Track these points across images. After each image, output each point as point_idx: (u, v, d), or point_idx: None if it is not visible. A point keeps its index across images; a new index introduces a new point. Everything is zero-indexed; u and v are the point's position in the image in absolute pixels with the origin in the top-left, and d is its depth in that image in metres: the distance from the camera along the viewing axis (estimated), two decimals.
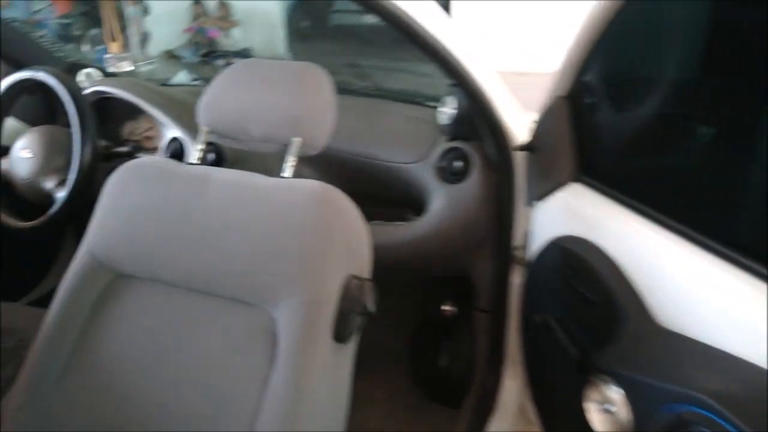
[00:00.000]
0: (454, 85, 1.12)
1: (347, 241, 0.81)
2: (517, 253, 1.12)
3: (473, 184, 1.15)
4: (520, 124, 1.06)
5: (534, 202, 1.02)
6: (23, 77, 1.24)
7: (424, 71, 1.64)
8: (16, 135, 1.30)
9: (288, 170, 0.87)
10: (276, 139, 0.87)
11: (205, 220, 0.82)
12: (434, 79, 1.25)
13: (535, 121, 1.03)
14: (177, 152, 1.29)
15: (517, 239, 1.12)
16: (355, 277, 0.81)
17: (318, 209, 0.79)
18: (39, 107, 1.51)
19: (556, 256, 0.93)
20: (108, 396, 0.83)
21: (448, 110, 1.18)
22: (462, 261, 1.26)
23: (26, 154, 1.23)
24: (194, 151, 0.95)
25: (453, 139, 1.19)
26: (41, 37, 1.48)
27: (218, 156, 1.22)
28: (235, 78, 0.91)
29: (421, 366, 1.48)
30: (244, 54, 3.53)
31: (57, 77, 1.20)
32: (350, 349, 0.83)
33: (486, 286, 1.24)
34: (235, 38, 4.34)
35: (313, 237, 0.78)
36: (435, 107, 1.26)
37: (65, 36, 3.29)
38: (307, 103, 0.86)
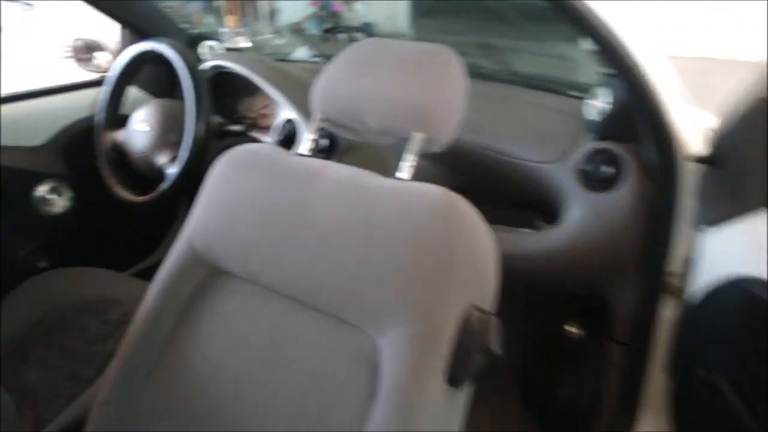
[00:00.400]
0: (610, 74, 0.93)
1: (471, 263, 0.67)
2: (672, 282, 0.92)
3: (624, 194, 0.96)
4: (693, 126, 0.85)
5: (707, 227, 0.82)
6: (145, 49, 1.21)
7: (566, 54, 1.43)
8: (138, 105, 1.29)
9: (406, 170, 0.74)
10: (395, 133, 0.75)
11: (311, 222, 0.73)
12: (578, 64, 1.06)
13: (719, 126, 0.81)
14: (290, 135, 1.21)
15: (673, 266, 0.92)
16: (478, 308, 0.67)
17: (439, 222, 0.66)
18: (162, 78, 1.51)
19: (737, 300, 0.73)
20: (195, 401, 0.77)
21: (598, 103, 0.99)
22: (597, 281, 1.07)
23: (143, 127, 1.21)
24: (306, 140, 0.85)
25: (602, 138, 1.00)
26: (168, 7, 1.46)
27: (331, 142, 1.12)
28: (353, 61, 0.80)
29: (535, 391, 1.32)
30: (365, 29, 3.44)
31: (176, 50, 1.16)
32: (465, 395, 0.70)
33: (626, 315, 1.04)
34: (358, 12, 4.26)
35: (431, 256, 0.65)
36: (580, 98, 1.07)
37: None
38: (434, 93, 0.73)
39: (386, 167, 1.18)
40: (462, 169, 1.19)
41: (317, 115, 0.82)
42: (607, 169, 0.97)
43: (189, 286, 0.81)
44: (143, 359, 0.80)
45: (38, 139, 1.32)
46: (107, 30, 1.47)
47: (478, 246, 0.69)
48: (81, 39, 1.46)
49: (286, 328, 0.74)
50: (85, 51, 1.50)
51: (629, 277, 1.02)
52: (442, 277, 0.65)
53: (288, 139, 1.22)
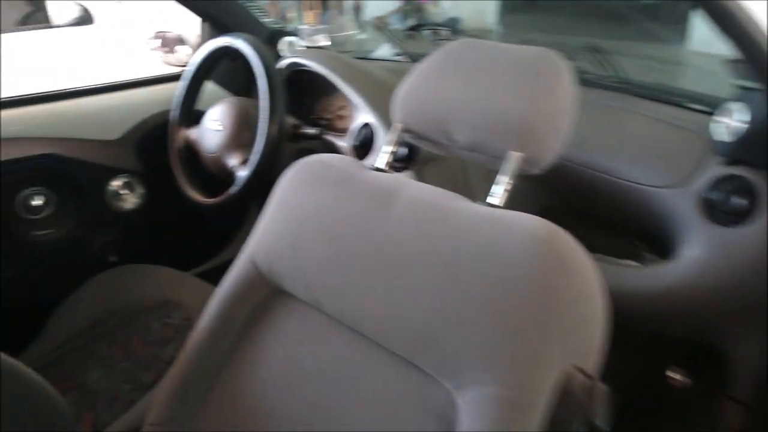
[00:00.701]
0: (750, 88, 0.77)
1: (575, 315, 0.55)
2: None
3: (758, 231, 0.80)
4: None
5: None
6: (221, 44, 1.16)
7: (683, 60, 1.25)
8: (214, 101, 1.25)
9: (499, 195, 0.64)
10: (487, 150, 0.65)
11: (384, 249, 0.63)
12: (702, 73, 0.89)
13: None
14: (366, 140, 1.12)
15: None
16: (581, 370, 0.55)
17: (538, 261, 0.55)
18: (240, 75, 1.46)
19: None
20: (250, 429, 0.70)
21: (731, 122, 0.83)
22: (714, 328, 0.91)
23: (216, 126, 1.16)
24: (383, 152, 0.76)
25: (733, 162, 0.84)
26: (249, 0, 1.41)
27: (410, 150, 1.02)
28: (443, 65, 0.69)
29: None
30: (451, 24, 3.31)
31: (253, 46, 1.09)
32: None
33: (748, 371, 0.88)
34: (444, 7, 4.14)
35: (526, 302, 0.54)
36: (707, 113, 0.91)
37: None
38: (538, 106, 0.62)
39: (471, 184, 1.07)
40: (555, 187, 1.06)
41: (398, 125, 0.73)
42: (738, 200, 0.81)
43: (249, 305, 0.75)
44: (198, 380, 0.75)
45: (115, 133, 1.31)
46: (191, 24, 1.44)
47: (585, 294, 0.57)
48: (163, 32, 1.45)
49: (350, 364, 0.66)
50: (168, 45, 1.49)
51: (755, 327, 0.86)
52: (538, 329, 0.53)
53: (364, 145, 1.13)
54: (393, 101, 0.73)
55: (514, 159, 0.62)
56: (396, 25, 3.72)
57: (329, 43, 1.20)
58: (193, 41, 1.46)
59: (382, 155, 0.76)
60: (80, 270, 1.28)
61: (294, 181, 0.74)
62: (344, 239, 0.67)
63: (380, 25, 3.62)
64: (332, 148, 1.22)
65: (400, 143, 0.75)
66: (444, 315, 0.57)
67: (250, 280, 0.75)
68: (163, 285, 1.25)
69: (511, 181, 0.63)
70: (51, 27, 2.89)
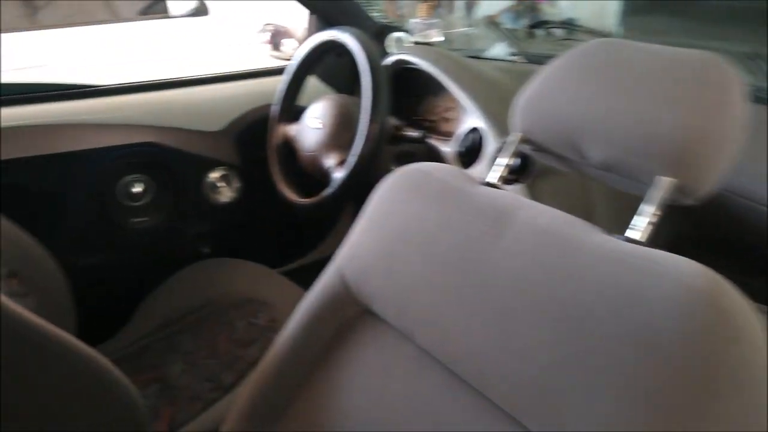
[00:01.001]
0: None
1: (743, 396, 0.43)
2: None
3: None
4: None
5: None
6: (327, 38, 1.11)
7: None
8: (317, 97, 1.20)
9: (641, 228, 0.52)
10: (629, 173, 0.54)
11: (491, 282, 0.54)
12: None
13: None
14: (474, 147, 1.02)
15: None
16: None
17: (695, 323, 0.43)
18: (345, 71, 1.41)
19: None
20: None
21: None
22: None
23: (315, 124, 1.11)
24: (496, 164, 0.66)
25: None
26: None
27: (523, 162, 0.91)
28: (576, 69, 0.58)
29: None
30: (567, 25, 3.09)
31: (359, 41, 1.03)
32: None
33: None
34: (561, 7, 3.90)
35: (677, 375, 0.42)
36: None
37: None
38: (700, 123, 0.49)
39: (592, 207, 0.94)
40: (694, 214, 0.90)
41: (517, 134, 0.63)
42: None
43: (335, 322, 0.68)
44: (276, 395, 0.70)
45: (216, 124, 1.30)
46: (300, 17, 1.41)
47: (754, 369, 0.44)
48: (272, 25, 1.43)
49: (439, 406, 0.57)
50: (275, 38, 1.47)
51: None
52: (692, 413, 0.42)
53: (470, 152, 1.03)
54: (513, 107, 0.63)
55: (663, 185, 0.50)
56: (508, 24, 3.54)
57: (442, 38, 1.11)
58: (300, 35, 1.43)
59: (495, 168, 0.66)
60: (172, 260, 1.29)
61: (392, 191, 0.66)
62: (445, 264, 0.58)
63: (490, 23, 3.47)
64: (434, 153, 1.13)
65: (517, 155, 0.65)
66: (563, 374, 0.47)
67: (337, 294, 0.68)
68: (251, 281, 1.23)
69: (658, 212, 0.52)
70: (168, 17, 3.01)
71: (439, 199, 0.61)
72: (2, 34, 2.55)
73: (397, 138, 1.09)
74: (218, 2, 3.04)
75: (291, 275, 1.26)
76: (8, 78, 1.21)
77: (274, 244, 1.51)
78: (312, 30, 1.37)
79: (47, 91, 1.17)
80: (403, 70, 1.22)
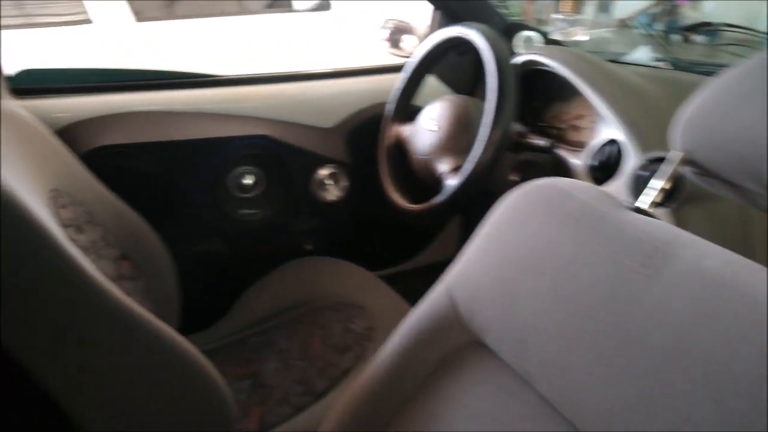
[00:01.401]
0: None
1: None
2: None
3: None
4: None
5: None
6: (451, 35, 1.03)
7: None
8: (435, 97, 1.13)
9: None
10: None
11: (639, 332, 0.44)
12: None
13: None
14: (609, 162, 0.91)
15: None
16: None
17: None
18: (467, 70, 1.33)
19: None
20: None
21: None
22: None
23: (431, 126, 1.03)
24: (650, 187, 0.55)
25: None
26: None
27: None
28: (758, 83, 0.46)
29: None
30: (736, 28, 2.78)
31: (488, 39, 0.94)
32: None
33: None
34: (705, 10, 3.53)
35: None
36: None
37: None
38: None
39: (751, 237, 0.80)
40: None
41: (677, 153, 0.52)
42: None
43: (441, 348, 0.61)
44: (369, 419, 0.64)
45: (329, 121, 1.27)
46: (424, 13, 1.35)
47: None
48: (393, 20, 1.37)
49: None
50: (396, 34, 1.42)
51: None
52: None
53: (604, 167, 0.91)
54: (672, 121, 0.52)
55: None
56: (643, 27, 3.26)
57: (587, 38, 0.99)
58: (422, 32, 1.36)
59: (647, 192, 0.55)
60: (275, 254, 1.28)
61: (519, 208, 0.58)
62: (580, 302, 0.49)
63: (624, 26, 3.21)
64: (561, 166, 1.02)
65: (675, 178, 0.54)
66: None
67: (445, 318, 0.61)
68: (351, 284, 1.19)
69: None
70: (291, 11, 3.09)
71: (578, 224, 0.52)
72: (144, 23, 2.74)
73: (519, 145, 0.99)
74: None
75: (391, 279, 1.21)
76: (139, 65, 1.25)
77: (376, 246, 1.46)
78: (435, 27, 1.30)
79: (170, 79, 1.20)
80: (530, 72, 1.11)
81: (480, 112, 0.99)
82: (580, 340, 0.48)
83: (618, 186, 0.87)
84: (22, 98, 1.07)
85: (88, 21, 2.63)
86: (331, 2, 3.09)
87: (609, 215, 0.51)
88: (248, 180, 1.21)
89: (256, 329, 1.13)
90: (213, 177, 1.16)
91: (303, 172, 1.24)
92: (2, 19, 2.51)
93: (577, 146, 1.03)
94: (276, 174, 1.22)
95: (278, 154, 1.19)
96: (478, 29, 0.97)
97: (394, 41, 1.41)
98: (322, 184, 1.28)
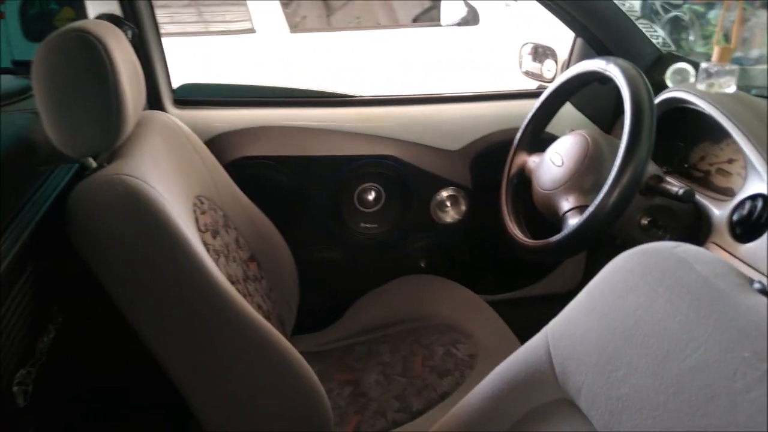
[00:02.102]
0: None
1: None
2: None
3: None
4: None
5: None
6: (590, 69, 0.98)
7: None
8: (569, 125, 1.09)
9: None
10: None
11: None
12: None
13: None
14: (751, 220, 0.81)
15: None
16: None
17: None
18: (608, 101, 1.26)
19: None
20: None
21: None
22: None
23: (556, 160, 0.99)
24: None
25: None
26: (639, 18, 1.17)
27: None
28: None
29: None
30: None
31: (628, 76, 0.88)
32: None
33: None
34: None
35: None
36: None
37: (674, 21, 2.81)
38: None
39: None
40: None
41: None
42: None
43: (531, 401, 0.59)
44: None
45: (456, 144, 1.28)
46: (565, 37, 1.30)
47: None
48: (531, 44, 1.34)
49: None
50: (533, 58, 1.39)
51: None
52: None
53: (747, 227, 0.82)
54: None
55: None
56: None
57: (733, 89, 0.89)
58: (562, 57, 1.32)
59: None
60: (389, 268, 1.31)
61: (631, 272, 0.53)
62: (683, 386, 0.44)
63: None
64: (699, 214, 0.93)
65: None
66: None
67: (542, 372, 0.58)
68: (459, 307, 1.19)
69: None
70: (438, 25, 3.10)
71: (693, 300, 0.47)
72: (298, 33, 2.93)
73: (652, 189, 0.91)
74: (492, 11, 3.01)
75: (501, 305, 1.19)
76: (287, 80, 1.35)
77: (490, 270, 1.44)
78: (576, 54, 1.25)
79: (308, 97, 1.28)
80: (678, 110, 1.03)
81: (614, 151, 0.93)
82: (679, 426, 0.44)
83: (759, 248, 0.78)
84: (182, 108, 1.21)
85: (252, 30, 2.87)
86: (480, 16, 3.05)
87: (731, 296, 0.46)
88: (371, 196, 1.25)
89: (363, 338, 1.17)
90: (339, 190, 1.23)
91: (424, 192, 1.26)
92: (182, 25, 2.83)
93: (724, 194, 0.93)
94: (398, 192, 1.26)
95: (402, 173, 1.22)
96: (617, 65, 0.92)
97: (533, 66, 1.39)
98: (441, 205, 1.29)
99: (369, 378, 1.05)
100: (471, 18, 2.97)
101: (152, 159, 0.77)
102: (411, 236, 1.32)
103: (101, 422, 0.86)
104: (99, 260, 0.67)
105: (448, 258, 1.35)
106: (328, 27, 3.25)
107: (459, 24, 3.00)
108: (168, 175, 0.78)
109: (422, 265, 1.34)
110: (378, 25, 3.26)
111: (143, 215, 0.66)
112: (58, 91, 0.67)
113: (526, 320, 0.73)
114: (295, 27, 3.02)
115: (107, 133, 0.70)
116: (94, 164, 0.72)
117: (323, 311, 1.28)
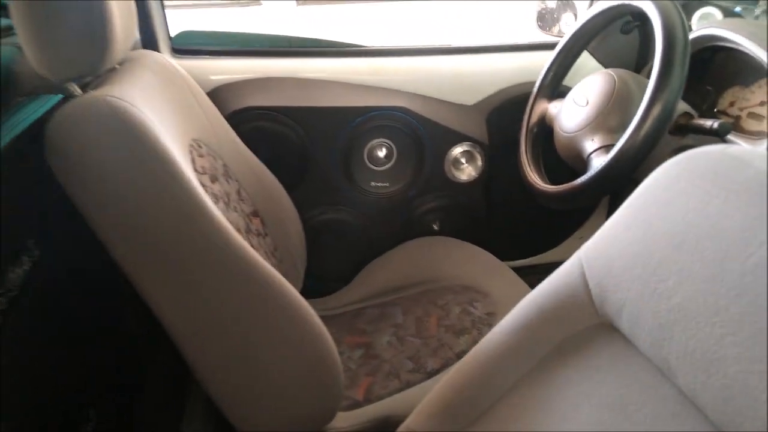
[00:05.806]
0: None
1: None
2: None
3: None
4: None
5: None
6: (619, 3, 0.92)
7: None
8: (585, 76, 1.03)
9: None
10: None
11: None
12: None
13: None
14: None
15: None
16: None
17: None
18: (630, 52, 1.20)
19: None
20: None
21: None
22: None
23: (580, 100, 0.94)
24: None
25: None
26: None
27: None
28: None
29: None
30: None
31: (661, 9, 0.82)
32: None
33: None
34: None
35: None
36: None
37: None
38: None
39: None
40: None
41: None
42: None
43: (565, 330, 0.56)
44: (479, 395, 0.60)
45: (472, 98, 1.22)
46: None
47: None
48: (547, 3, 1.28)
49: None
50: (551, 15, 1.33)
51: None
52: None
53: None
54: None
55: None
56: None
57: None
58: (580, 10, 1.26)
59: None
60: (401, 230, 1.26)
61: (676, 177, 0.48)
62: (747, 287, 0.39)
63: None
64: None
65: None
66: None
67: (576, 297, 0.54)
68: (476, 268, 1.13)
69: None
70: None
71: (755, 196, 0.42)
72: (305, 5, 2.87)
73: (683, 128, 0.85)
74: None
75: (520, 272, 1.13)
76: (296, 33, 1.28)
77: (507, 234, 1.38)
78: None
79: (314, 47, 1.22)
80: (709, 50, 0.97)
81: (640, 88, 0.87)
82: (739, 331, 0.39)
83: None
84: (180, 57, 1.15)
85: (258, 2, 2.80)
86: None
87: None
88: (381, 152, 1.20)
89: (375, 301, 1.12)
90: (347, 146, 1.17)
91: (438, 147, 1.20)
92: None
93: (756, 136, 0.87)
94: (410, 148, 1.20)
95: (414, 127, 1.16)
96: None
97: (551, 23, 1.33)
98: (456, 162, 1.23)
99: (381, 340, 1.00)
100: None
101: (144, 92, 0.69)
102: (425, 196, 1.26)
103: (76, 361, 0.79)
104: (79, 187, 0.60)
105: (464, 219, 1.30)
106: None
107: None
108: (161, 110, 0.71)
109: (435, 227, 1.29)
110: None
111: (130, 137, 0.58)
112: (37, 5, 0.60)
113: None
114: None
115: (92, 53, 0.62)
116: (78, 91, 0.65)
117: (331, 276, 1.23)
